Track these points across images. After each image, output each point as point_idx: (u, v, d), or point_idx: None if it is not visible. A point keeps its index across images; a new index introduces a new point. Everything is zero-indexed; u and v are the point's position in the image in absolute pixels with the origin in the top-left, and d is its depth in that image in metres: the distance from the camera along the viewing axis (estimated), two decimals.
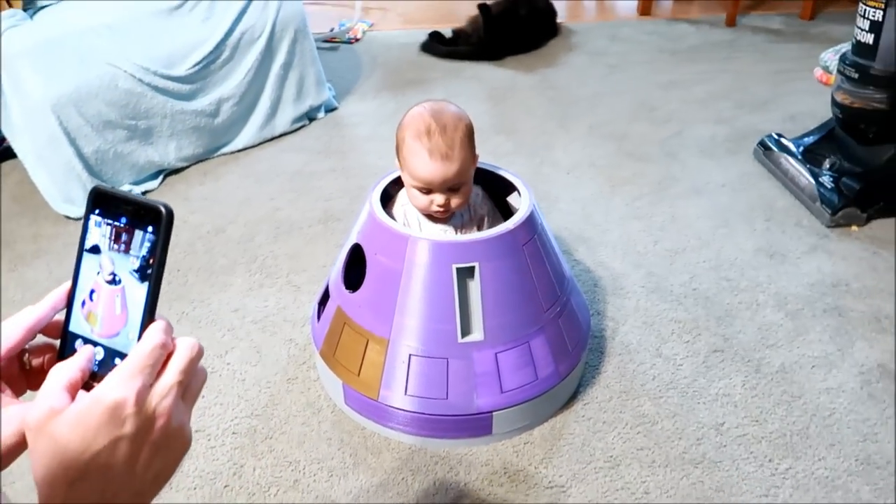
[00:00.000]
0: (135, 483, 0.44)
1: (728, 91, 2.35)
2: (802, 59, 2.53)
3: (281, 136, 2.07)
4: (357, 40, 2.78)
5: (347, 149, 2.04)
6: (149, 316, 0.47)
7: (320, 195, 1.80)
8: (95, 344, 0.48)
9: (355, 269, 1.13)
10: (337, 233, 1.65)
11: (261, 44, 1.91)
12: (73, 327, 0.49)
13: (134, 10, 1.72)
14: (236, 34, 1.85)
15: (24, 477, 1.05)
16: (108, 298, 0.48)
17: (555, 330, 1.13)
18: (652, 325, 1.37)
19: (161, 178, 1.82)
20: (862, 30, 1.57)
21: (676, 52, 2.70)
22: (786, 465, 1.10)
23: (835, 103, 1.71)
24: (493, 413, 1.08)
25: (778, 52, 2.68)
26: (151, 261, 0.47)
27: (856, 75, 1.61)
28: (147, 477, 0.45)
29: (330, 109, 2.21)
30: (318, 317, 1.21)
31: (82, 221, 0.49)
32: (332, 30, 2.82)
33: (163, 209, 0.46)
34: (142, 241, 0.47)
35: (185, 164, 1.88)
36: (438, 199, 1.11)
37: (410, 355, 1.06)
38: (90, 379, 0.47)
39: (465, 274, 1.04)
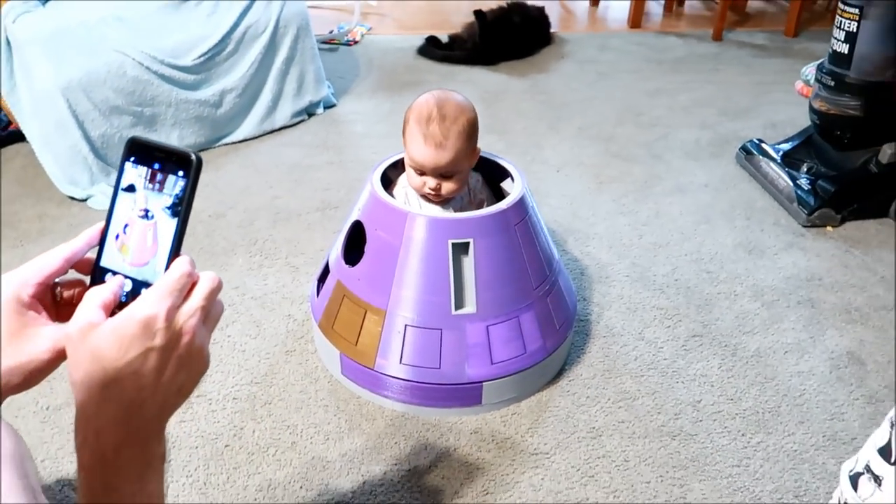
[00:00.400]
0: (160, 391, 0.49)
1: (712, 99, 2.44)
2: (784, 73, 2.63)
3: (280, 129, 2.13)
4: (355, 43, 2.86)
5: (344, 144, 2.10)
6: (176, 249, 0.53)
7: (318, 186, 1.86)
8: (124, 277, 0.54)
9: (354, 246, 1.19)
10: (334, 220, 1.70)
11: (264, 39, 1.97)
12: (103, 262, 0.54)
13: (143, 1, 1.78)
14: (241, 28, 1.92)
15: (62, 380, 1.09)
16: (142, 231, 0.54)
17: (543, 307, 1.19)
18: (635, 311, 1.44)
19: None
20: (838, 40, 1.66)
21: (663, 62, 2.80)
22: (757, 439, 1.17)
23: (812, 110, 1.79)
24: (483, 383, 1.14)
25: (761, 66, 2.78)
26: (182, 200, 0.53)
27: (832, 83, 1.70)
28: (172, 388, 0.50)
29: (328, 106, 2.27)
30: (318, 292, 1.27)
31: (119, 166, 0.54)
32: (331, 32, 2.89)
33: (193, 156, 0.52)
34: (174, 182, 0.53)
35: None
36: (430, 182, 1.17)
37: (406, 326, 1.12)
38: (117, 308, 0.53)
39: (460, 250, 1.11)
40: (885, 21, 1.57)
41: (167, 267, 0.52)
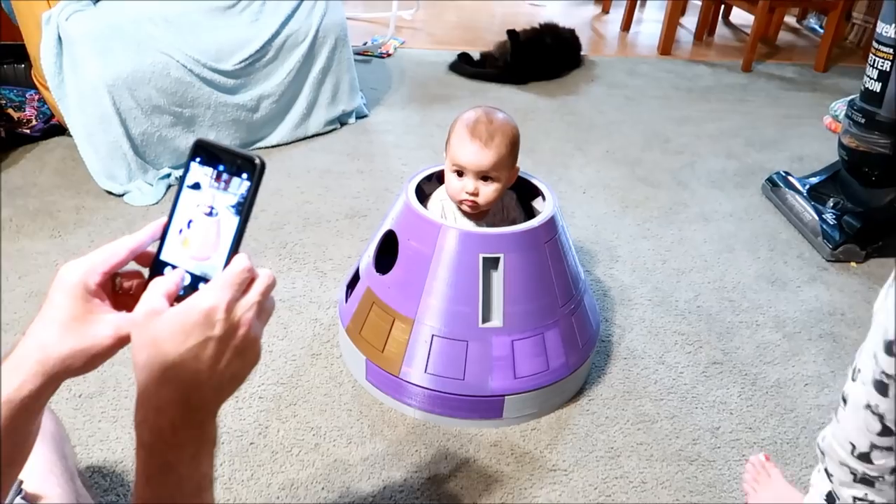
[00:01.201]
0: (216, 378, 0.52)
1: (739, 130, 2.46)
2: (812, 107, 2.64)
3: (313, 136, 2.17)
4: (389, 55, 2.90)
5: (375, 153, 2.13)
6: (236, 246, 0.55)
7: (347, 193, 1.89)
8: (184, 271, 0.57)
9: (385, 255, 1.22)
10: (362, 228, 1.73)
11: (304, 47, 2.02)
12: (163, 256, 0.57)
13: (189, 5, 1.83)
14: (282, 36, 1.97)
15: (126, 364, 1.12)
16: (206, 227, 0.56)
17: (567, 325, 1.21)
18: (656, 335, 1.45)
19: None
20: (871, 78, 1.68)
21: (692, 90, 2.82)
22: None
23: (841, 146, 1.81)
24: (506, 397, 1.16)
25: (789, 99, 2.79)
26: (246, 200, 0.55)
27: (862, 120, 1.71)
28: (227, 375, 0.53)
29: (360, 116, 2.31)
30: (347, 298, 1.30)
31: (184, 164, 0.57)
32: (365, 44, 2.94)
33: (258, 159, 0.55)
34: (239, 183, 0.56)
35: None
36: (469, 184, 1.18)
37: (433, 335, 1.14)
38: (176, 300, 0.55)
39: (490, 264, 1.13)
40: None
41: (227, 262, 0.55)
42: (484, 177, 1.18)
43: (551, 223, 1.18)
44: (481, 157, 1.16)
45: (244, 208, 0.55)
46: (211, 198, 0.56)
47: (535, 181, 1.30)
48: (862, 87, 1.72)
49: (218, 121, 1.91)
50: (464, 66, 2.79)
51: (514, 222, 1.28)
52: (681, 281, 1.63)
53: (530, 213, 1.32)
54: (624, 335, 1.45)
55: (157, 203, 1.77)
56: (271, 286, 0.56)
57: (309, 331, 1.39)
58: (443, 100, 2.53)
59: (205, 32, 1.83)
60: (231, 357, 0.52)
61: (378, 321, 1.18)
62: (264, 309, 0.55)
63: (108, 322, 0.54)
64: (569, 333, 1.20)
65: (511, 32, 2.74)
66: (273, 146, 2.08)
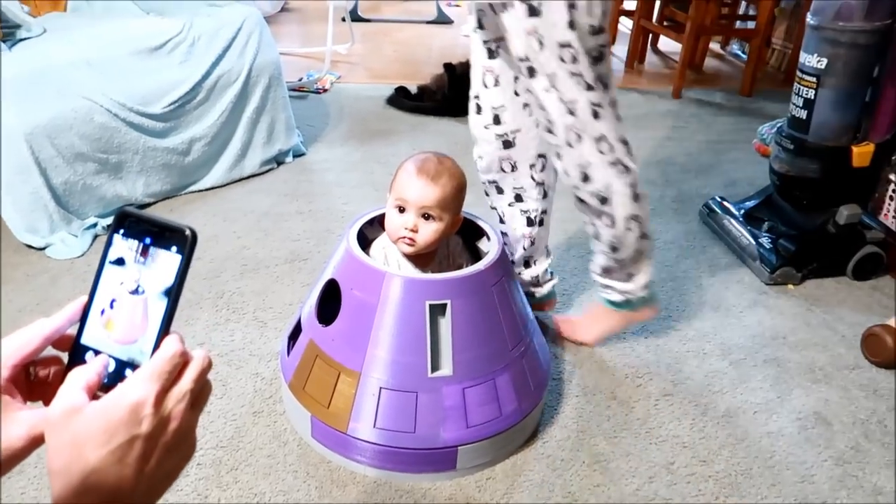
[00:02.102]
0: (145, 481, 0.47)
1: (673, 157, 2.51)
2: (741, 131, 2.73)
3: (249, 177, 2.11)
4: (325, 91, 2.87)
5: (314, 193, 2.09)
6: (166, 327, 0.51)
7: (287, 236, 1.83)
8: (108, 356, 0.51)
9: (328, 304, 1.17)
10: (304, 272, 1.68)
11: (236, 87, 1.97)
12: (84, 339, 0.52)
13: (114, 47, 1.76)
14: (213, 77, 1.91)
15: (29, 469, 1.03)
16: (131, 307, 0.51)
17: (518, 368, 1.18)
18: (607, 370, 1.44)
19: None
20: (797, 106, 1.73)
21: (626, 118, 2.82)
22: (731, 502, 1.16)
23: (773, 171, 1.86)
24: (459, 447, 1.12)
25: (719, 124, 2.88)
26: (176, 277, 0.51)
27: (791, 147, 1.76)
28: (157, 476, 0.47)
29: (298, 154, 2.26)
30: (288, 351, 1.24)
31: (107, 237, 0.52)
32: (300, 79, 2.90)
33: (188, 231, 0.51)
34: (168, 258, 0.51)
35: (152, 200, 1.89)
36: (409, 219, 1.14)
37: (381, 388, 1.10)
38: (98, 390, 0.50)
39: (437, 311, 1.10)
40: (841, 90, 1.65)
41: (156, 346, 0.50)
42: (426, 215, 1.15)
43: (498, 265, 1.15)
44: (426, 192, 1.13)
45: (174, 286, 0.51)
46: (137, 274, 0.51)
47: (479, 222, 1.28)
48: (789, 115, 1.78)
49: (147, 166, 1.83)
50: (402, 99, 2.78)
51: (460, 268, 1.25)
52: None
53: (477, 256, 1.29)
54: (575, 371, 1.43)
55: (82, 255, 1.67)
56: (207, 369, 0.51)
57: (249, 386, 1.32)
58: (383, 135, 2.51)
59: (131, 75, 1.76)
60: (162, 455, 0.47)
61: (322, 375, 1.13)
62: (199, 396, 0.51)
63: (20, 421, 0.48)
64: (520, 377, 1.18)
65: (447, 66, 2.75)
66: (207, 189, 2.01)
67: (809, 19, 1.65)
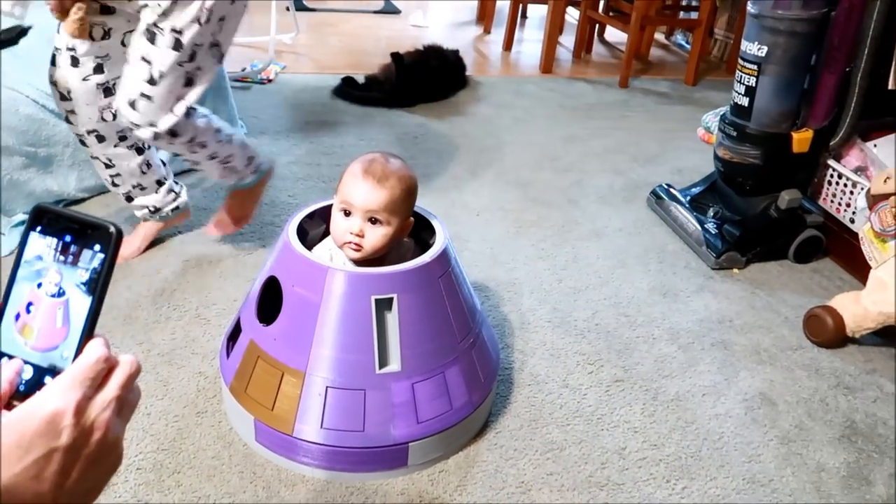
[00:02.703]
0: (64, 497, 0.43)
1: (623, 146, 2.53)
2: (687, 120, 2.77)
3: (191, 170, 2.04)
4: (269, 81, 2.80)
5: None
6: (89, 331, 0.47)
7: None
8: (24, 362, 0.47)
9: (268, 302, 1.13)
10: (248, 267, 1.63)
11: None
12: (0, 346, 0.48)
13: (40, 34, 1.67)
14: None
15: None
16: (50, 311, 0.48)
17: (468, 360, 1.16)
18: (558, 357, 1.44)
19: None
20: (738, 93, 1.76)
21: (576, 108, 2.89)
22: (682, 485, 1.18)
23: (717, 158, 1.88)
24: (410, 444, 1.10)
25: (665, 113, 2.92)
26: (99, 276, 0.47)
27: (734, 133, 1.79)
28: (79, 491, 0.44)
29: None
30: (228, 353, 1.19)
31: (22, 235, 0.48)
32: (243, 70, 2.82)
33: (112, 227, 0.47)
34: (90, 256, 0.47)
35: (86, 196, 1.81)
36: (355, 224, 1.10)
37: (327, 387, 1.06)
38: (14, 398, 0.46)
39: (384, 306, 1.07)
40: (781, 78, 1.68)
41: (78, 350, 0.47)
42: (372, 219, 1.11)
43: (443, 257, 1.13)
44: (372, 195, 1.09)
45: (98, 286, 0.47)
46: (56, 275, 0.48)
47: (423, 213, 1.25)
48: (731, 102, 1.80)
49: (80, 159, 1.75)
50: (349, 90, 2.73)
51: None
52: (578, 300, 1.63)
53: (425, 247, 1.27)
54: (526, 361, 1.42)
55: (10, 254, 1.58)
56: (134, 375, 0.48)
57: (192, 386, 1.27)
58: (329, 127, 2.46)
59: None
60: (84, 468, 0.44)
61: (265, 377, 1.09)
62: (126, 403, 0.47)
63: None
64: (470, 369, 1.16)
65: (395, 55, 2.71)
66: None
67: (750, 8, 1.67)
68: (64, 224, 0.48)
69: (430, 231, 1.23)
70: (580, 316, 1.58)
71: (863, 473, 1.23)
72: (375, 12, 4.16)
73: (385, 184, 1.10)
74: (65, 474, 0.43)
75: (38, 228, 0.48)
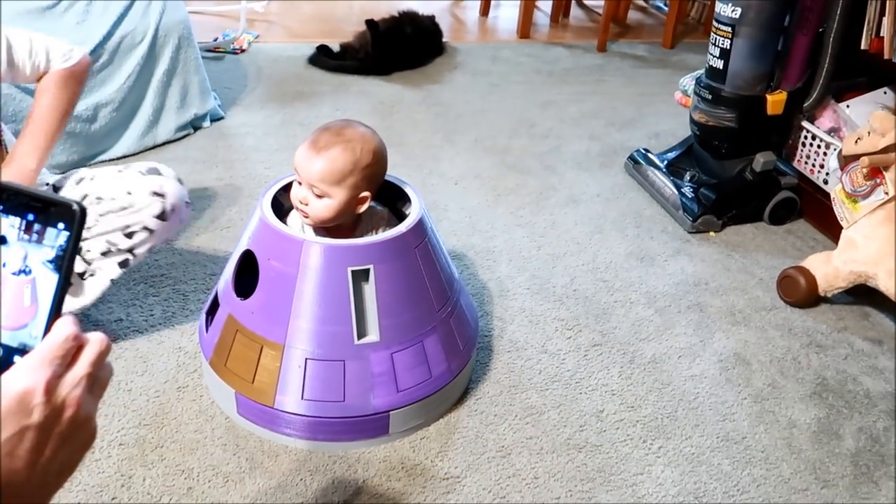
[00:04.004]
0: (38, 474, 0.43)
1: (599, 111, 2.53)
2: (664, 84, 2.76)
3: (164, 144, 2.01)
4: (243, 51, 2.74)
5: (234, 159, 2.01)
6: (58, 308, 0.47)
7: (206, 204, 1.76)
8: None
9: (245, 276, 1.13)
10: (226, 241, 1.62)
11: (142, 49, 1.85)
12: None
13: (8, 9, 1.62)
14: (115, 38, 1.79)
15: None
16: (17, 289, 0.47)
17: (446, 329, 1.17)
18: (537, 324, 1.46)
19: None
20: (713, 56, 1.76)
21: (552, 73, 2.87)
22: (658, 444, 1.20)
23: (692, 122, 1.89)
24: (390, 412, 1.11)
25: (642, 77, 2.91)
26: (65, 253, 0.47)
27: (709, 96, 1.79)
28: (52, 469, 0.44)
29: (216, 119, 2.17)
30: (207, 327, 1.19)
31: None
32: (215, 39, 2.76)
33: (76, 205, 0.47)
34: (55, 234, 0.47)
35: (57, 172, 1.77)
36: (300, 191, 1.11)
37: (307, 359, 1.07)
38: None
39: (360, 276, 1.07)
40: (755, 39, 1.68)
41: (47, 328, 0.46)
42: (314, 189, 1.10)
43: (419, 227, 1.13)
44: (309, 165, 1.09)
45: (64, 262, 0.47)
46: (21, 253, 0.47)
47: (398, 183, 1.25)
48: (707, 65, 1.80)
49: None
50: (324, 59, 2.69)
51: None
52: (556, 266, 1.65)
53: (401, 218, 1.27)
54: (505, 328, 1.44)
55: None
56: (105, 353, 0.48)
57: (172, 361, 1.27)
58: (304, 97, 2.42)
59: None
60: (56, 446, 0.44)
61: (244, 350, 1.09)
62: (97, 380, 0.47)
63: None
64: (448, 338, 1.17)
65: (370, 22, 2.67)
66: (119, 158, 1.90)
67: None
68: (26, 202, 0.47)
69: (407, 200, 1.23)
70: (558, 282, 1.59)
71: (832, 428, 1.27)
72: None
73: (323, 154, 1.08)
74: (38, 452, 0.43)
75: (1, 207, 0.47)
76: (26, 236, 0.47)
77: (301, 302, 1.05)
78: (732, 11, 1.66)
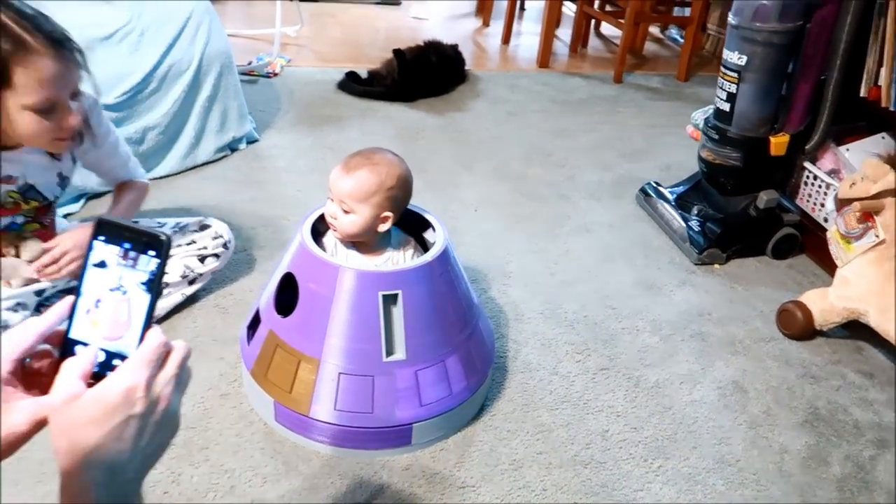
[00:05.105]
0: (139, 454, 0.55)
1: (611, 141, 2.64)
2: (675, 116, 2.88)
3: (203, 165, 2.14)
4: (275, 75, 2.89)
5: (267, 180, 2.13)
6: (149, 321, 0.58)
7: (242, 223, 1.88)
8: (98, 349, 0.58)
9: (285, 295, 1.25)
10: (261, 259, 1.74)
11: (188, 77, 1.99)
12: (73, 334, 0.58)
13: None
14: (164, 66, 1.93)
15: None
16: (115, 305, 0.58)
17: (466, 350, 1.29)
18: (549, 347, 1.56)
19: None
20: (721, 98, 1.87)
21: (568, 102, 2.99)
22: (657, 464, 1.31)
23: (700, 159, 2.00)
24: (413, 424, 1.22)
25: (654, 109, 3.02)
26: (156, 276, 0.58)
27: (716, 136, 1.91)
28: (148, 450, 0.56)
29: (251, 141, 2.30)
30: (249, 340, 1.31)
31: (88, 242, 0.59)
32: (249, 63, 2.90)
33: (164, 236, 0.58)
34: (147, 260, 0.58)
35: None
36: (331, 207, 1.26)
37: (340, 373, 1.19)
38: (91, 377, 0.57)
39: (390, 300, 1.19)
40: (760, 85, 1.79)
41: (141, 338, 0.57)
42: (343, 206, 1.24)
43: (444, 256, 1.25)
44: (339, 183, 1.23)
45: (154, 284, 0.58)
46: (118, 276, 0.58)
47: (426, 215, 1.37)
48: (714, 107, 1.92)
49: None
50: (352, 84, 2.82)
51: None
52: (568, 292, 1.76)
53: (424, 247, 1.38)
54: (519, 350, 1.55)
55: None
56: (187, 357, 0.59)
57: (215, 371, 1.39)
58: (333, 121, 2.56)
59: None
60: (152, 432, 0.55)
61: (283, 363, 1.21)
62: (181, 379, 0.59)
63: (22, 409, 0.55)
64: (467, 357, 1.28)
65: (397, 52, 2.81)
66: (162, 177, 2.04)
67: (730, 19, 1.78)
68: (123, 234, 0.58)
69: (431, 228, 1.35)
70: (570, 308, 1.70)
71: (821, 455, 1.36)
72: (376, 3, 4.23)
73: (352, 174, 1.23)
74: (139, 436, 0.54)
75: (102, 238, 0.58)
76: (123, 262, 0.58)
77: (336, 322, 1.17)
78: (738, 59, 1.78)
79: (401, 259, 1.33)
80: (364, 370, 1.19)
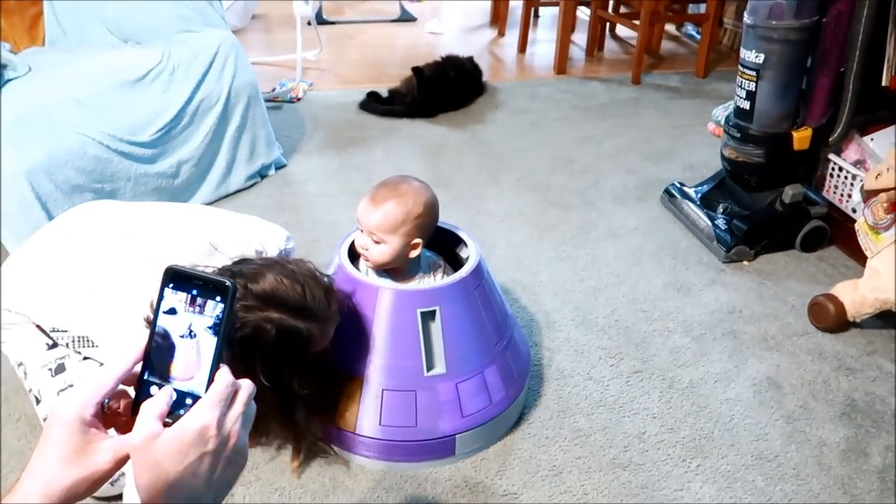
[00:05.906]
0: (213, 487, 0.59)
1: (635, 144, 2.66)
2: (697, 115, 2.88)
3: (235, 192, 2.22)
4: (299, 99, 2.96)
5: (298, 204, 2.20)
6: (217, 363, 0.63)
7: None
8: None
9: None
10: None
11: (217, 110, 2.07)
12: (148, 376, 0.63)
13: (99, 82, 1.85)
14: (195, 102, 2.01)
15: None
16: (186, 350, 0.63)
17: (503, 360, 1.32)
18: (582, 353, 1.59)
19: None
20: (740, 97, 1.89)
21: (589, 108, 3.02)
22: (696, 463, 1.33)
23: (723, 157, 2.01)
24: (456, 436, 1.26)
25: (676, 108, 3.03)
26: (222, 321, 0.62)
27: (738, 134, 1.92)
28: (222, 483, 0.60)
29: (280, 167, 2.37)
30: None
31: (158, 291, 0.64)
32: (273, 90, 2.99)
33: (229, 282, 0.62)
34: (214, 306, 0.63)
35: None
36: (361, 238, 1.30)
37: (383, 390, 1.23)
38: (168, 416, 0.62)
39: (428, 317, 1.23)
40: (778, 82, 1.80)
41: (210, 378, 0.62)
42: (373, 236, 1.28)
43: (477, 271, 1.29)
44: (367, 216, 1.27)
45: (221, 328, 0.62)
46: (188, 322, 0.63)
47: (458, 232, 1.41)
48: (734, 105, 1.93)
49: (139, 191, 1.93)
50: (374, 104, 2.89)
51: None
52: (598, 298, 1.78)
53: (456, 262, 1.43)
54: (553, 357, 1.58)
55: None
56: (252, 394, 0.63)
57: None
58: (358, 142, 2.62)
59: (118, 108, 1.85)
60: (224, 466, 0.59)
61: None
62: (247, 416, 0.63)
63: (106, 448, 0.59)
64: (505, 368, 1.32)
65: (416, 69, 2.86)
66: None
67: (746, 18, 1.80)
68: (191, 281, 0.63)
69: (463, 244, 1.39)
70: (600, 313, 1.73)
71: (860, 447, 1.37)
72: (392, 21, 4.30)
73: (379, 206, 1.26)
74: (212, 471, 0.59)
75: (171, 285, 0.63)
76: (191, 308, 0.63)
77: (377, 340, 1.22)
78: (756, 57, 1.79)
79: (431, 282, 1.37)
80: (406, 385, 1.23)
